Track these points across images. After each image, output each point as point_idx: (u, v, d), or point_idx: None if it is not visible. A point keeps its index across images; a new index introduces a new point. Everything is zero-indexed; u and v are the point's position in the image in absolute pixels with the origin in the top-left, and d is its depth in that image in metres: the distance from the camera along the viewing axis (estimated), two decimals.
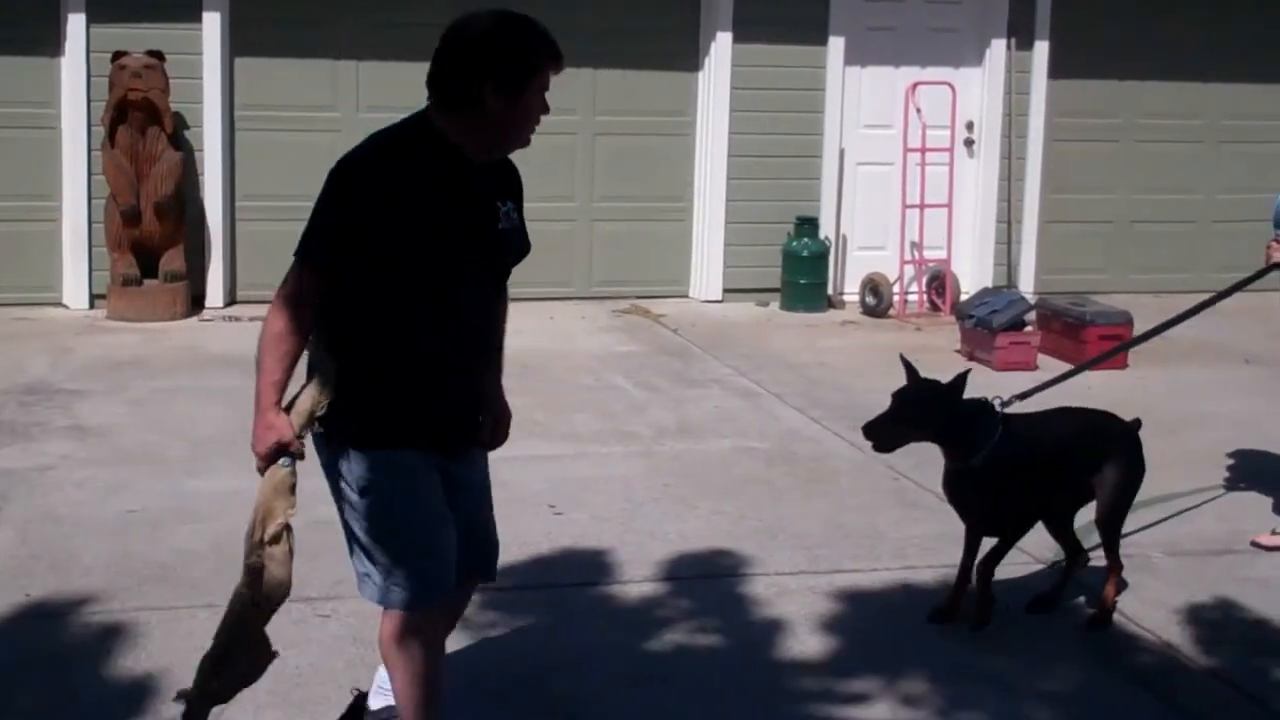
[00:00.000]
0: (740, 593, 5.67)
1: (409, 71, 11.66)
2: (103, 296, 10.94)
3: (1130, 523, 6.52)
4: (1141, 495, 6.88)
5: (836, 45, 11.91)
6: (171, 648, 4.99)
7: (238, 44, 11.10)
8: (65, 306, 11.06)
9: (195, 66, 10.94)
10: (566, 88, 12.01)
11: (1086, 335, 9.93)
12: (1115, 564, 5.49)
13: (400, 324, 3.79)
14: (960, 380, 5.10)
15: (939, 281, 12.02)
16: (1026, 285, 12.44)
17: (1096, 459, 5.39)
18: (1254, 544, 6.28)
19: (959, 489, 5.26)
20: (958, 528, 6.40)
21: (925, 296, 12.05)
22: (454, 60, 3.85)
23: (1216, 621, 5.51)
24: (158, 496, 6.67)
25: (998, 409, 5.18)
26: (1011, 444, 5.11)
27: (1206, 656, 5.21)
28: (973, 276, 12.29)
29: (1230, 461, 7.52)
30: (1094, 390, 9.33)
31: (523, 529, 6.22)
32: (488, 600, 5.41)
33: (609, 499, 6.73)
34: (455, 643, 5.02)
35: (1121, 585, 5.62)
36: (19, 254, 11.06)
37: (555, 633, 5.23)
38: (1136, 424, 5.60)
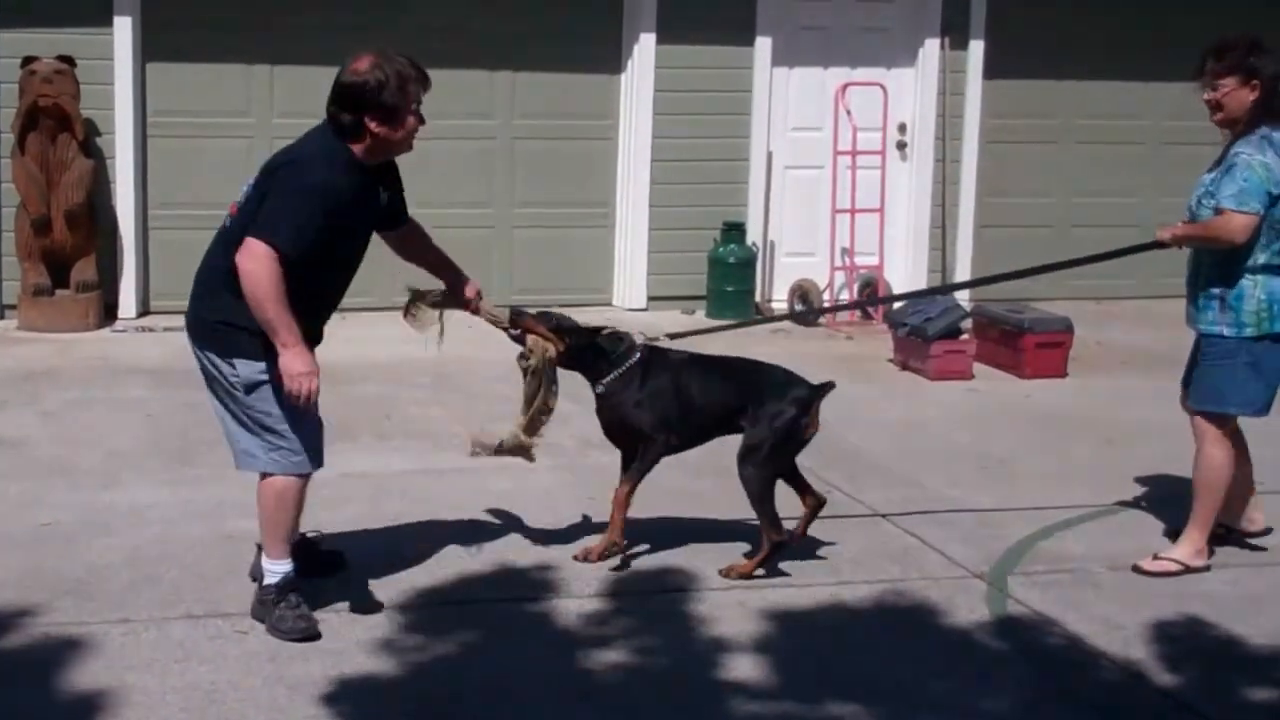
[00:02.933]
0: (669, 609, 5.81)
1: (323, 76, 11.79)
2: (13, 307, 11.02)
3: (1072, 537, 6.78)
4: (1082, 508, 7.19)
5: (764, 46, 12.11)
6: (85, 666, 5.09)
7: (149, 49, 11.19)
8: None
9: (106, 72, 11.04)
10: (484, 91, 12.30)
11: (1024, 343, 10.15)
12: (764, 528, 6.03)
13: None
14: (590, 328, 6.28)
15: (871, 288, 12.23)
16: (962, 293, 12.63)
17: (741, 403, 6.13)
18: (1136, 569, 6.31)
19: (598, 410, 6.27)
20: (892, 542, 6.63)
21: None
22: (339, 103, 5.47)
23: (1162, 637, 5.65)
24: (71, 510, 6.78)
25: (639, 342, 6.18)
26: (643, 371, 6.10)
27: (1153, 673, 5.34)
28: (906, 283, 12.47)
29: (1172, 473, 7.62)
30: (1031, 398, 9.62)
31: (443, 544, 6.37)
32: (407, 619, 5.57)
33: (532, 513, 6.86)
34: (374, 663, 5.19)
35: (771, 558, 6.10)
36: None
37: (476, 652, 5.35)
38: (821, 387, 6.17)
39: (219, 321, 5.42)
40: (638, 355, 6.16)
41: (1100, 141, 13.16)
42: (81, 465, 7.54)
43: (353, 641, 5.35)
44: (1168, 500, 7.29)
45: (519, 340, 6.11)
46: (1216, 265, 6.16)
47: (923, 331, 10.04)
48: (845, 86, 12.13)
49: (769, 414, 6.05)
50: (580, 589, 5.97)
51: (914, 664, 5.34)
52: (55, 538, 6.40)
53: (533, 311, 6.26)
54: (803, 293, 11.99)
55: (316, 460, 5.52)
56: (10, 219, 10.94)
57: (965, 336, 10.33)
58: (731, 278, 11.98)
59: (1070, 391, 9.80)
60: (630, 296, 12.17)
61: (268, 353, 5.28)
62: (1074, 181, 13.18)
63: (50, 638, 5.33)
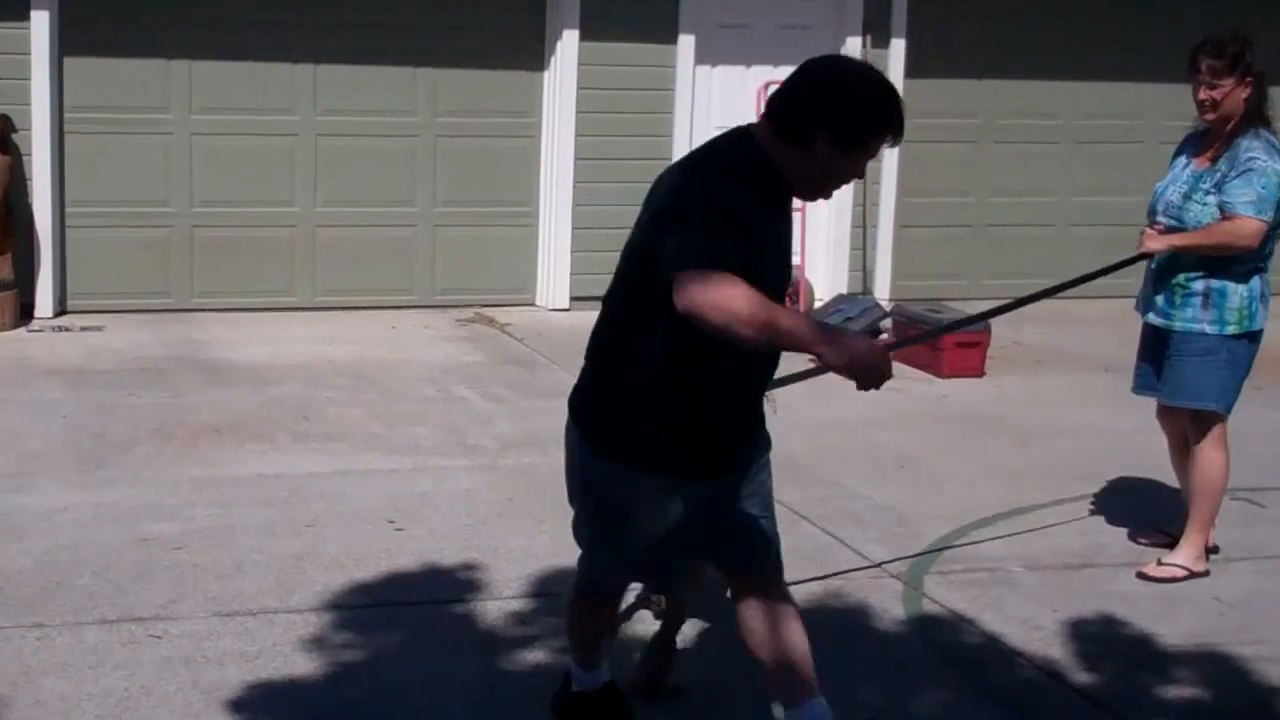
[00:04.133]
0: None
1: (240, 72, 11.81)
2: None
3: (987, 534, 6.86)
4: (999, 507, 7.25)
5: (687, 43, 12.13)
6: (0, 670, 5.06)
7: (68, 43, 11.03)
8: None
9: (23, 66, 10.88)
10: (404, 87, 12.28)
11: (943, 342, 10.20)
12: None
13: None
14: None
15: (792, 288, 12.27)
16: (882, 292, 12.71)
17: None
18: (1141, 575, 6.38)
19: None
20: (810, 541, 6.67)
21: None
22: (800, 97, 3.98)
23: (1079, 636, 5.72)
24: None
25: None
26: None
27: (1069, 672, 5.41)
28: (827, 283, 12.55)
29: (1089, 473, 7.78)
30: (949, 397, 9.70)
31: (360, 546, 6.38)
32: (325, 622, 5.57)
33: (450, 514, 6.88)
34: (291, 666, 5.18)
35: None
36: None
37: (397, 654, 5.34)
38: None
39: None
40: None
41: (1018, 141, 13.26)
42: None
43: (269, 644, 5.34)
44: (1080, 500, 7.42)
45: None
46: (1200, 263, 6.13)
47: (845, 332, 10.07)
48: (766, 85, 12.16)
49: None
50: (503, 590, 5.98)
51: (831, 664, 5.33)
52: None
53: None
54: None
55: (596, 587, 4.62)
56: None
57: (885, 336, 10.40)
58: None
59: (987, 391, 9.89)
60: (554, 297, 12.15)
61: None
62: (993, 181, 13.27)
63: None
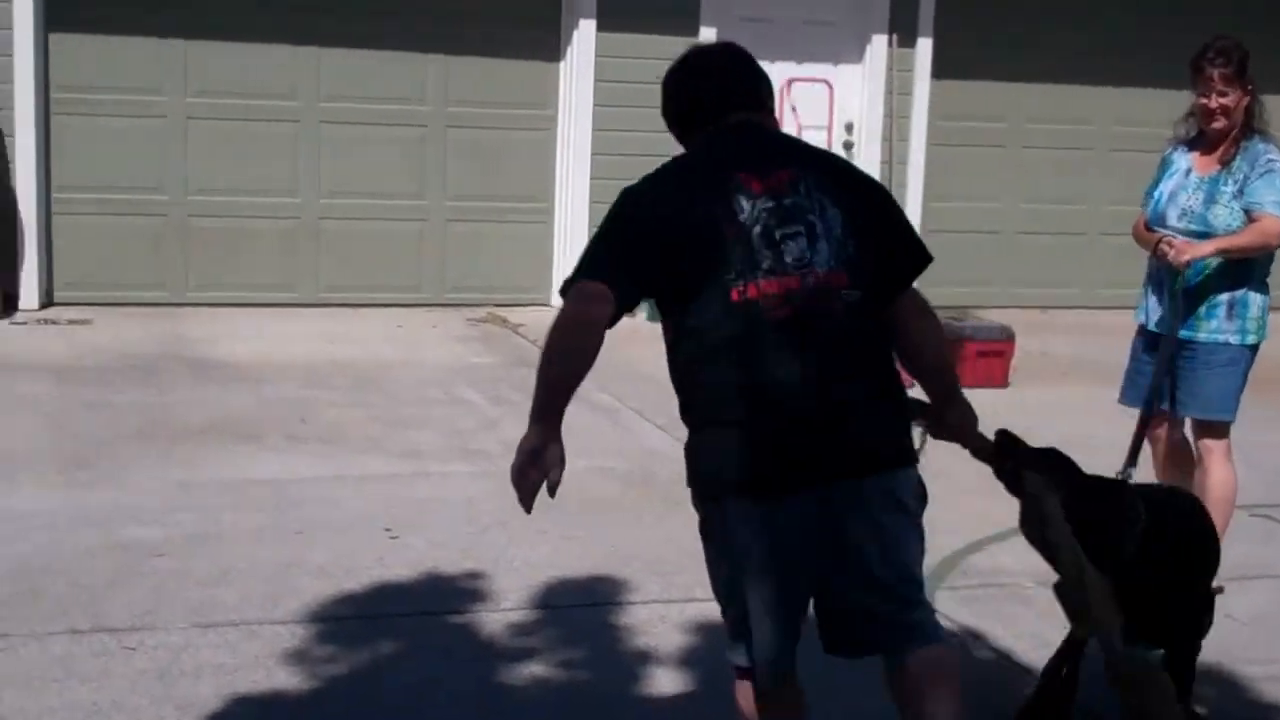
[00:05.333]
0: (591, 623, 5.59)
1: (239, 53, 11.57)
2: None
3: (1003, 551, 6.60)
4: (1016, 521, 6.98)
5: (708, 36, 11.93)
6: None
7: (53, 19, 10.83)
8: None
9: (4, 42, 10.68)
10: (413, 74, 12.05)
11: (965, 351, 10.01)
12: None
13: None
14: None
15: None
16: None
17: None
18: None
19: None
20: None
21: None
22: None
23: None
24: None
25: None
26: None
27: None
28: None
29: None
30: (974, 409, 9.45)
31: (353, 554, 6.13)
32: (310, 633, 5.31)
33: (450, 522, 6.63)
34: (272, 680, 4.93)
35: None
36: None
37: (385, 667, 5.11)
38: None
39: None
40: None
41: (1048, 146, 13.10)
42: None
43: (250, 657, 5.09)
44: None
45: (1011, 484, 4.47)
46: (1226, 272, 6.04)
47: None
48: (790, 82, 11.97)
49: None
50: (502, 601, 5.74)
51: (839, 679, 5.12)
52: None
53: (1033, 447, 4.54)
54: None
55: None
56: None
57: None
58: None
59: (1010, 402, 9.63)
60: None
61: None
62: (1021, 187, 13.09)
63: None
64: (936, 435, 4.10)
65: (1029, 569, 6.30)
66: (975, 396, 10.33)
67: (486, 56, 11.71)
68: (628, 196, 3.79)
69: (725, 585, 3.82)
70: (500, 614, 5.62)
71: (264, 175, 11.35)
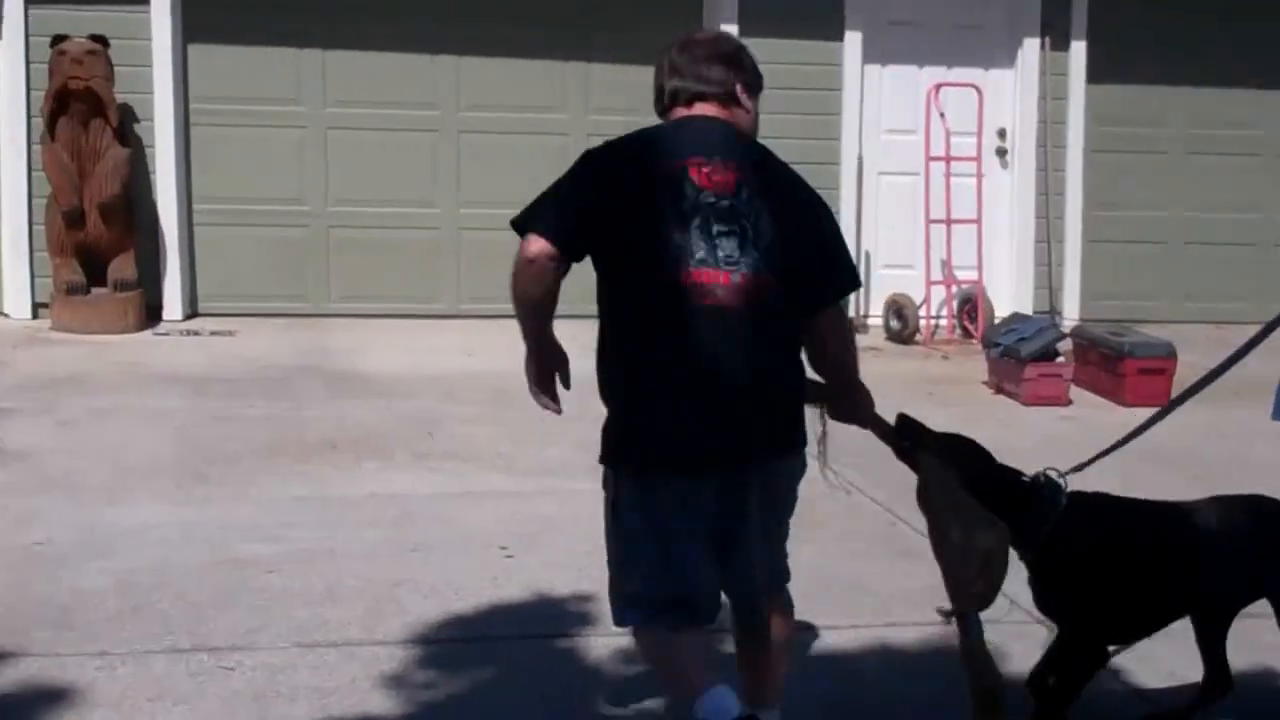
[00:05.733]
0: (711, 646, 5.41)
1: (378, 63, 11.55)
2: (47, 305, 10.77)
3: None
4: None
5: (854, 41, 11.73)
6: (48, 706, 4.74)
7: (191, 29, 10.90)
8: (6, 315, 10.92)
9: (144, 53, 10.76)
10: (555, 83, 11.95)
11: (1125, 368, 9.68)
12: None
13: None
14: None
15: (970, 305, 11.78)
16: (1071, 310, 12.22)
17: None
18: None
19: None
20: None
21: (956, 321, 11.82)
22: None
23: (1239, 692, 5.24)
24: (69, 528, 6.46)
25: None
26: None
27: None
28: (1010, 300, 12.08)
29: None
30: (1127, 428, 9.06)
31: (466, 573, 6.02)
32: (412, 656, 5.20)
33: (570, 541, 6.46)
34: (369, 703, 4.82)
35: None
36: None
37: (482, 693, 4.98)
38: None
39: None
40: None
41: (1215, 152, 12.65)
42: (89, 480, 7.23)
43: (348, 679, 4.97)
44: None
45: (909, 462, 4.51)
46: None
47: (1015, 352, 9.58)
48: (938, 87, 11.70)
49: None
50: (610, 625, 5.56)
51: (953, 716, 4.92)
52: (46, 559, 6.08)
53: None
54: (898, 309, 11.58)
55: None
56: (42, 211, 10.70)
57: (1062, 359, 9.85)
58: None
59: (1172, 422, 9.21)
60: None
61: None
62: (1188, 195, 12.66)
63: (17, 673, 4.98)
64: (835, 417, 4.33)
65: None
66: (1136, 415, 9.99)
67: (628, 64, 11.56)
68: (587, 157, 4.02)
69: (636, 549, 4.08)
70: (609, 639, 5.44)
71: (403, 185, 11.33)
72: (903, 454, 4.49)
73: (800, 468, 4.17)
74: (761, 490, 4.05)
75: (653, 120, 12.23)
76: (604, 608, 5.67)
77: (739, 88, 4.13)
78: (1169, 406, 5.24)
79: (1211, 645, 4.84)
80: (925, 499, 4.42)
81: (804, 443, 4.14)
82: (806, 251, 4.00)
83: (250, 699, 4.83)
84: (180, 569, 5.99)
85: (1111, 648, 4.70)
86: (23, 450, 7.71)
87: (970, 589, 4.29)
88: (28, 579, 5.84)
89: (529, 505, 7.01)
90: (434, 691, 4.95)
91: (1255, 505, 4.88)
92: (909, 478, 4.51)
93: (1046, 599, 4.64)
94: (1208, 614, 4.77)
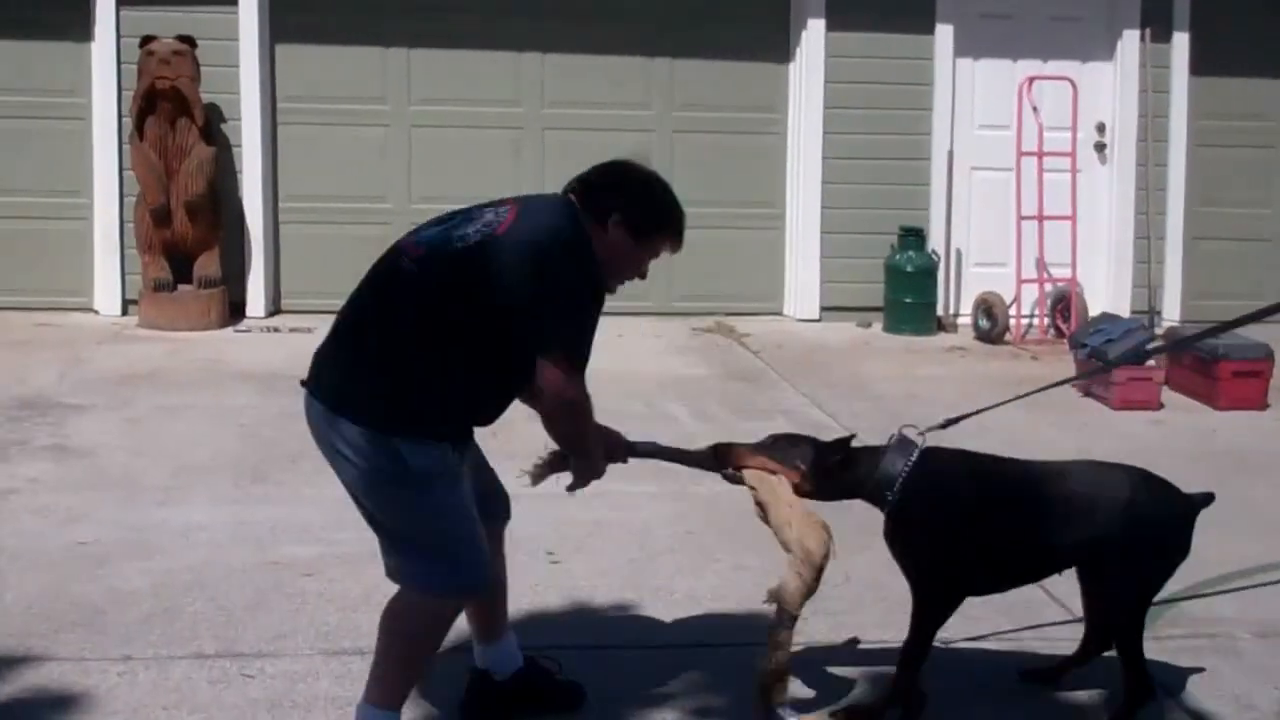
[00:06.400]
0: (741, 665, 5.17)
1: (462, 60, 11.47)
2: (136, 302, 10.79)
3: (1225, 597, 5.99)
4: (1249, 561, 6.37)
5: (945, 34, 11.44)
6: (61, 712, 4.64)
7: (278, 30, 10.89)
8: (97, 312, 10.94)
9: (232, 53, 10.76)
10: (637, 79, 11.80)
11: (1219, 371, 9.30)
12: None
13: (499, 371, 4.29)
14: None
15: (1064, 304, 11.44)
16: (1171, 310, 11.86)
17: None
18: None
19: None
20: (1014, 593, 5.87)
21: (1048, 321, 11.48)
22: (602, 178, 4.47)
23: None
24: (117, 528, 6.39)
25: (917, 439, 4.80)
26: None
27: None
28: (1108, 299, 11.74)
29: None
30: (1219, 432, 8.79)
31: (508, 578, 5.84)
32: (439, 665, 5.01)
33: (619, 547, 6.31)
34: (411, 710, 4.66)
35: None
36: (48, 254, 10.99)
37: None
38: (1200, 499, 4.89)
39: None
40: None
41: None
42: (146, 479, 7.16)
43: None
44: None
45: (736, 482, 4.72)
46: None
47: (1102, 355, 9.24)
48: (1030, 80, 11.37)
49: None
50: (652, 636, 5.40)
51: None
52: (88, 559, 6.00)
53: (751, 442, 4.76)
54: (987, 307, 11.27)
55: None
56: (132, 209, 10.74)
57: (1153, 361, 9.49)
58: (910, 288, 11.30)
59: (1267, 426, 8.92)
60: (802, 306, 11.57)
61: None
62: None
63: (39, 676, 4.88)
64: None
65: (1250, 618, 5.73)
66: (1229, 420, 9.65)
67: (713, 59, 11.38)
68: (598, 290, 4.23)
69: (455, 515, 4.25)
70: (645, 651, 5.27)
71: (485, 182, 11.12)
72: (731, 480, 4.71)
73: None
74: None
75: (741, 116, 12.04)
76: (645, 617, 5.55)
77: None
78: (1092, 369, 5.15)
79: (1093, 611, 4.87)
80: (763, 517, 4.58)
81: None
82: None
83: (265, 708, 4.69)
84: (220, 571, 5.88)
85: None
86: (87, 448, 7.66)
87: (809, 591, 4.40)
88: (66, 579, 5.76)
89: (582, 508, 6.54)
90: (453, 704, 4.78)
91: (1126, 474, 4.77)
92: None
93: (897, 551, 4.68)
94: (1075, 570, 4.78)
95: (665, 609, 5.63)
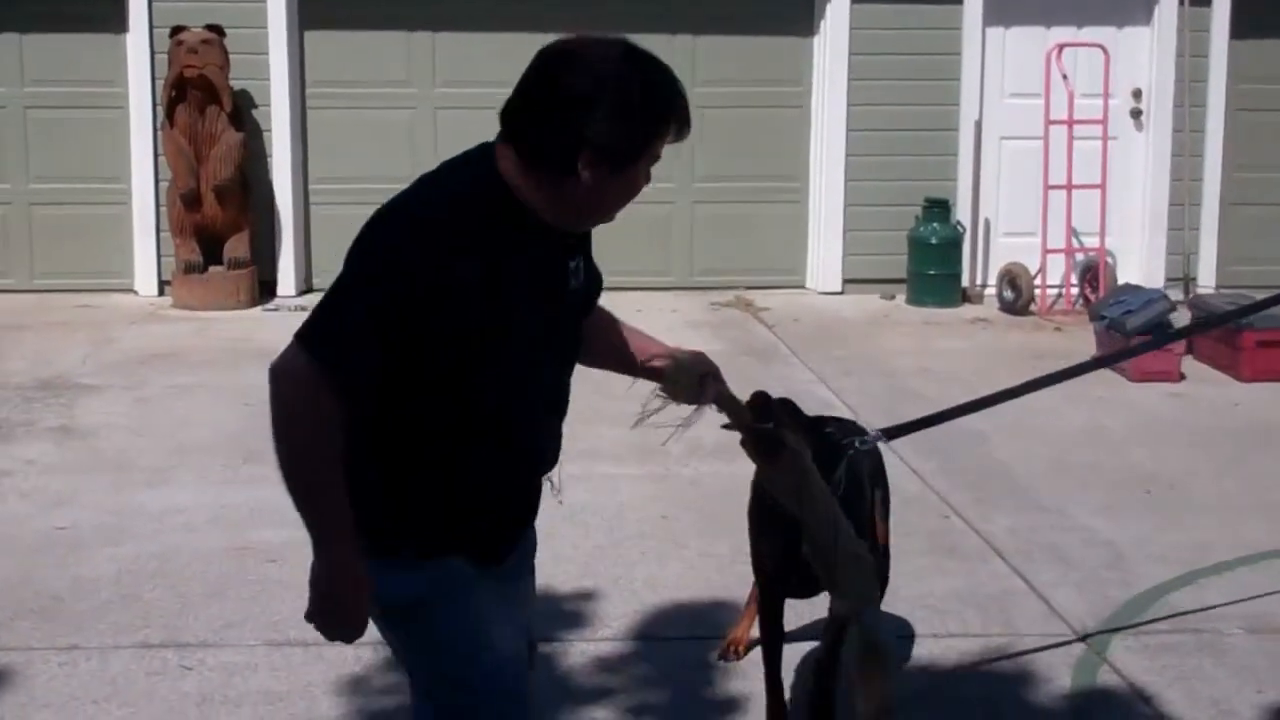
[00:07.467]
0: (690, 660, 5.00)
1: (487, 43, 11.37)
2: (171, 283, 10.85)
3: (1217, 586, 5.74)
4: (1253, 548, 6.10)
5: (974, 3, 11.15)
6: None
7: (306, 17, 10.90)
8: (136, 293, 11.01)
9: (261, 41, 10.77)
10: (663, 55, 11.30)
11: (1243, 341, 9.00)
12: None
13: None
14: None
15: (1092, 274, 11.16)
16: (1206, 277, 11.54)
17: None
18: None
19: None
20: (992, 584, 5.70)
21: (1075, 291, 11.20)
22: (547, 115, 2.94)
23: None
24: (97, 511, 6.37)
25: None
26: None
27: None
28: (1141, 267, 11.45)
29: None
30: (1241, 405, 8.51)
31: None
32: (377, 659, 4.89)
33: (586, 532, 6.15)
34: (322, 709, 4.59)
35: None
36: (89, 238, 11.08)
37: None
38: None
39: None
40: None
41: None
42: (141, 460, 7.13)
43: (302, 684, 4.74)
44: None
45: (770, 444, 3.71)
46: None
47: (1121, 326, 8.98)
48: (1060, 48, 11.06)
49: None
50: (599, 629, 5.25)
51: None
52: (61, 544, 5.98)
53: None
54: (1012, 278, 11.02)
55: None
56: (165, 193, 10.78)
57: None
58: (934, 260, 11.06)
59: None
60: (824, 279, 11.35)
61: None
62: None
63: None
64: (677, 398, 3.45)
65: (1241, 612, 5.44)
66: (1253, 391, 9.30)
67: (734, 34, 11.18)
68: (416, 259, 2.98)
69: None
70: (591, 644, 5.11)
71: None
72: (765, 435, 3.67)
73: None
74: None
75: (764, 90, 11.79)
76: (598, 607, 5.43)
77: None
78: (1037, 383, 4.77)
79: None
80: (790, 488, 3.71)
81: None
82: None
83: (195, 703, 4.63)
84: (188, 556, 5.84)
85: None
86: (89, 428, 7.66)
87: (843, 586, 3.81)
88: (34, 566, 5.75)
89: (563, 492, 6.67)
90: (391, 698, 4.65)
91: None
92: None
93: None
94: None
95: (620, 599, 5.49)
